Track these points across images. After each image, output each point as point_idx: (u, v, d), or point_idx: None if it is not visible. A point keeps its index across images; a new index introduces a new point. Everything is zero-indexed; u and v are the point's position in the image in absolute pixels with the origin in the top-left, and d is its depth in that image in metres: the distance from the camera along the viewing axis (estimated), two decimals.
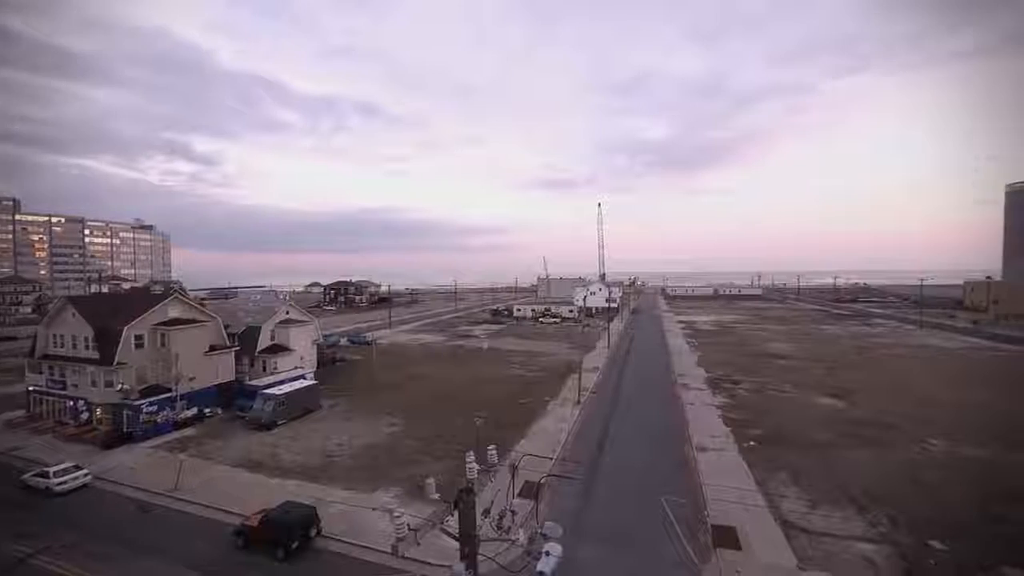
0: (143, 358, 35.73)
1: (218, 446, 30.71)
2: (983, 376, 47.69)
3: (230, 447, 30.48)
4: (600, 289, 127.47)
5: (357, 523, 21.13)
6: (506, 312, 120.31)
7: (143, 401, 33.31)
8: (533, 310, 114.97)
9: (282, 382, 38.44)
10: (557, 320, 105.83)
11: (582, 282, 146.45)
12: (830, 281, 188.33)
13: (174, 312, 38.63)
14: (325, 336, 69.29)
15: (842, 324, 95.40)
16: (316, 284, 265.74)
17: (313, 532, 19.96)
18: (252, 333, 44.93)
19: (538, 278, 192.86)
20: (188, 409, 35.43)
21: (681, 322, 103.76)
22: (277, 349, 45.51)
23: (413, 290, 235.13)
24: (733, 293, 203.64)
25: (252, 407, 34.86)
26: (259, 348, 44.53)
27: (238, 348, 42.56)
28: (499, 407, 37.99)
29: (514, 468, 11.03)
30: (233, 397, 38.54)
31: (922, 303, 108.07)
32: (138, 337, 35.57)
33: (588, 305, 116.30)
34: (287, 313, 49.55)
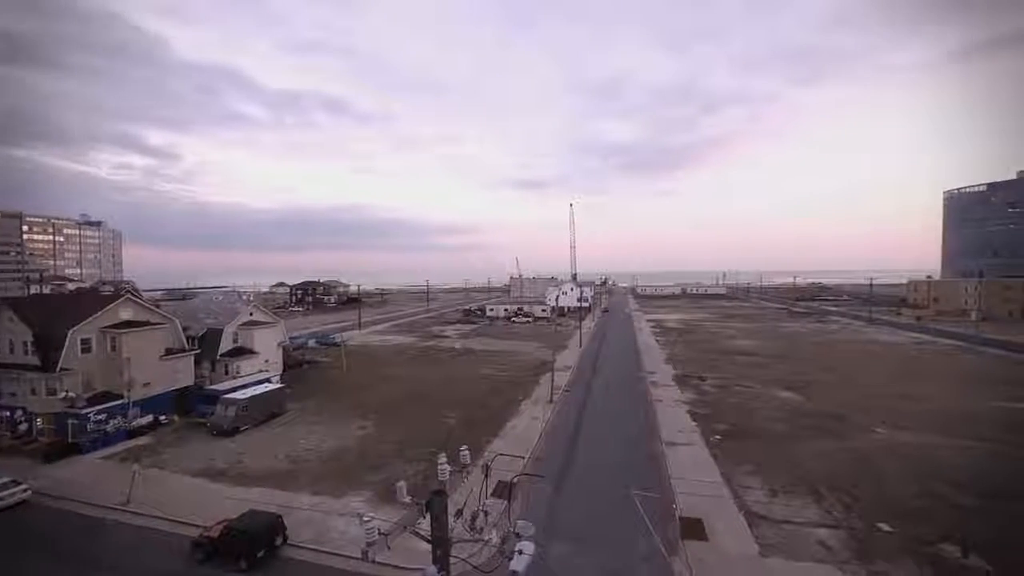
0: (91, 363, 33.48)
1: (176, 455, 29.18)
2: (923, 369, 51.11)
3: (189, 456, 29.02)
4: (572, 289, 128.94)
5: (326, 529, 20.55)
6: (479, 312, 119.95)
7: (91, 409, 31.24)
8: (506, 310, 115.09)
9: (246, 386, 36.93)
10: (530, 320, 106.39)
11: (554, 282, 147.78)
12: (790, 280, 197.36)
13: (126, 314, 36.41)
14: (292, 338, 67.05)
15: (800, 321, 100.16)
16: (282, 284, 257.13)
17: (279, 541, 19.26)
18: (213, 336, 42.95)
19: (511, 278, 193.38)
20: (142, 417, 33.50)
21: (650, 321, 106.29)
22: (240, 352, 43.69)
23: (383, 290, 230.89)
24: (700, 292, 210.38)
25: (213, 413, 33.33)
26: (221, 351, 42.61)
27: (198, 352, 40.58)
28: (472, 407, 37.82)
29: (487, 468, 10.97)
30: (193, 403, 36.72)
31: (871, 301, 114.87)
32: (84, 341, 33.31)
33: (560, 305, 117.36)
34: (251, 314, 47.64)
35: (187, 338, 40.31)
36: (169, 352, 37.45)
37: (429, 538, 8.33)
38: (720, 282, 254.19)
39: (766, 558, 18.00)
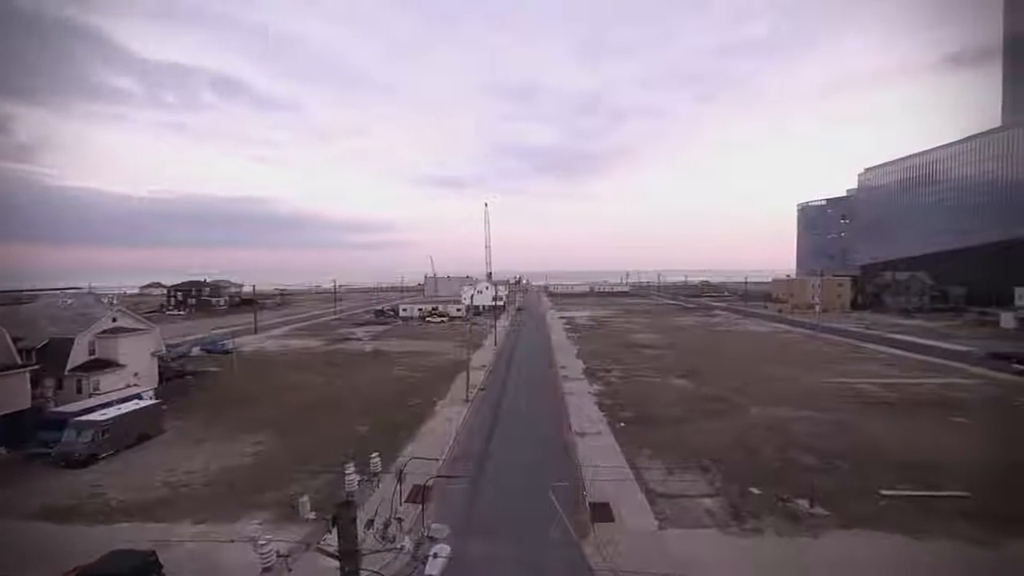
0: None
1: (4, 497, 23.73)
2: (782, 354, 60.35)
3: (25, 494, 23.79)
4: (487, 288, 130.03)
5: (214, 561, 18.22)
6: (391, 312, 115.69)
7: None
8: (420, 309, 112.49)
9: (107, 405, 31.33)
10: (445, 319, 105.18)
11: (470, 281, 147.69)
12: (683, 279, 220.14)
13: None
14: (171, 346, 58.70)
15: (691, 316, 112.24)
16: (157, 284, 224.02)
17: None
18: (60, 347, 35.77)
19: (425, 277, 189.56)
20: None
21: (562, 318, 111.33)
22: (100, 365, 37.00)
23: (283, 291, 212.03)
24: (606, 291, 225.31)
25: (61, 440, 27.71)
26: (71, 365, 35.67)
27: (36, 367, 33.44)
28: (385, 412, 36.31)
29: (400, 473, 10.60)
30: (31, 429, 30.10)
31: (746, 297, 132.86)
32: None
33: (476, 303, 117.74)
34: (114, 320, 40.57)
35: (22, 350, 33.07)
36: None
37: (336, 553, 7.81)
38: (624, 281, 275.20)
39: (664, 531, 19.84)
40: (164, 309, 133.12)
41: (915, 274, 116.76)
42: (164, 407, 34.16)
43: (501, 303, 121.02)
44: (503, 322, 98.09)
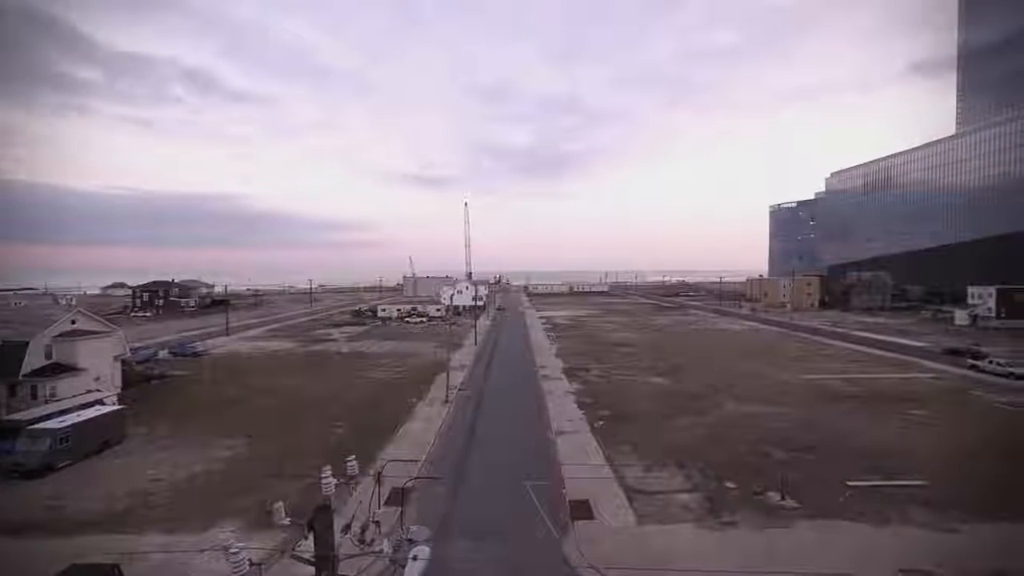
0: None
1: None
2: (755, 351, 62.18)
3: None
4: (467, 288, 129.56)
5: (183, 572, 17.55)
6: (370, 313, 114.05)
7: None
8: (399, 310, 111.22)
9: (66, 412, 29.81)
10: (424, 319, 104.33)
11: (449, 281, 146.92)
12: (660, 278, 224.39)
13: None
14: (137, 349, 56.45)
15: (668, 315, 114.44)
16: (121, 285, 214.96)
17: None
18: (11, 351, 33.88)
19: (404, 277, 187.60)
20: None
21: (542, 318, 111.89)
22: (57, 370, 35.21)
23: (257, 291, 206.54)
24: (585, 290, 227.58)
25: (13, 450, 26.19)
26: (26, 370, 33.81)
27: None
28: (363, 414, 35.73)
29: (378, 476, 10.44)
30: None
31: (721, 296, 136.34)
32: None
33: (455, 304, 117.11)
34: (73, 323, 38.66)
35: None
36: None
37: (312, 559, 7.64)
38: (603, 280, 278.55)
39: (643, 527, 20.15)
40: (128, 311, 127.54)
41: (877, 274, 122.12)
42: (128, 413, 32.73)
43: (481, 303, 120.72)
44: (483, 322, 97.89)
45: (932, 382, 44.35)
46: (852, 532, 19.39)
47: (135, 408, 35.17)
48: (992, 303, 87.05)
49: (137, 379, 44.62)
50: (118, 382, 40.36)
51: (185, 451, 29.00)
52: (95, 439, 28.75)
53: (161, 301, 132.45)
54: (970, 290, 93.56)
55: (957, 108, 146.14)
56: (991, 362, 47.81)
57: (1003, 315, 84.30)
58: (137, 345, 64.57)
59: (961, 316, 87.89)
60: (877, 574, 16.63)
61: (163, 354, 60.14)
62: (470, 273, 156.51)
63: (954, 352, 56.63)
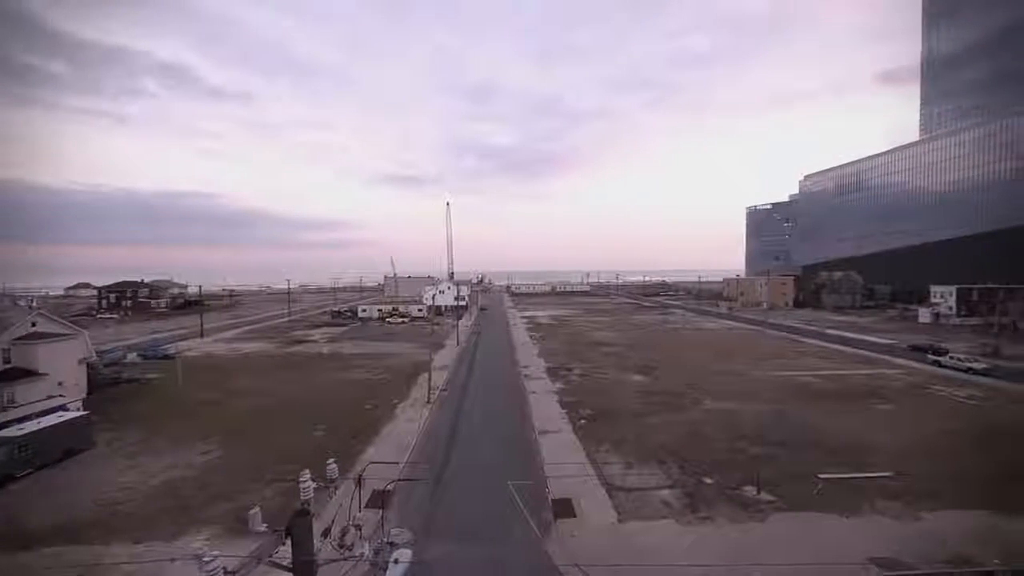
0: None
1: None
2: (733, 349, 63.64)
3: None
4: (449, 288, 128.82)
5: None
6: (349, 313, 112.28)
7: None
8: (380, 310, 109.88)
9: (25, 419, 28.44)
10: (406, 319, 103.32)
11: (431, 280, 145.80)
12: (641, 278, 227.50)
13: None
14: (104, 352, 54.36)
15: (648, 314, 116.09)
16: (86, 285, 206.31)
17: None
18: None
19: (385, 277, 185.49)
20: None
21: (524, 317, 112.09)
22: (16, 375, 33.51)
23: (233, 291, 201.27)
24: (568, 290, 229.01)
25: None
26: None
27: None
28: (343, 416, 35.15)
29: (359, 479, 10.29)
30: None
31: (700, 296, 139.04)
32: None
33: (437, 304, 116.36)
34: (33, 325, 36.88)
35: None
36: None
37: (290, 566, 7.48)
38: (585, 280, 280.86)
39: (624, 523, 20.41)
40: (94, 312, 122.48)
41: (848, 274, 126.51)
42: (95, 419, 31.41)
43: (464, 303, 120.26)
44: (465, 322, 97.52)
45: (897, 378, 46.19)
46: (823, 523, 20.06)
47: (103, 413, 33.82)
48: (952, 302, 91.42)
49: (104, 383, 42.86)
50: (83, 387, 38.70)
51: (156, 457, 28.01)
52: (58, 447, 27.51)
53: (129, 302, 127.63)
54: (932, 289, 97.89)
55: (921, 116, 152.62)
56: (951, 358, 50.11)
57: (962, 313, 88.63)
58: (104, 348, 62.05)
59: (924, 314, 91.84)
60: (848, 561, 17.25)
61: (132, 357, 57.95)
62: (452, 273, 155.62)
63: (918, 349, 59.12)
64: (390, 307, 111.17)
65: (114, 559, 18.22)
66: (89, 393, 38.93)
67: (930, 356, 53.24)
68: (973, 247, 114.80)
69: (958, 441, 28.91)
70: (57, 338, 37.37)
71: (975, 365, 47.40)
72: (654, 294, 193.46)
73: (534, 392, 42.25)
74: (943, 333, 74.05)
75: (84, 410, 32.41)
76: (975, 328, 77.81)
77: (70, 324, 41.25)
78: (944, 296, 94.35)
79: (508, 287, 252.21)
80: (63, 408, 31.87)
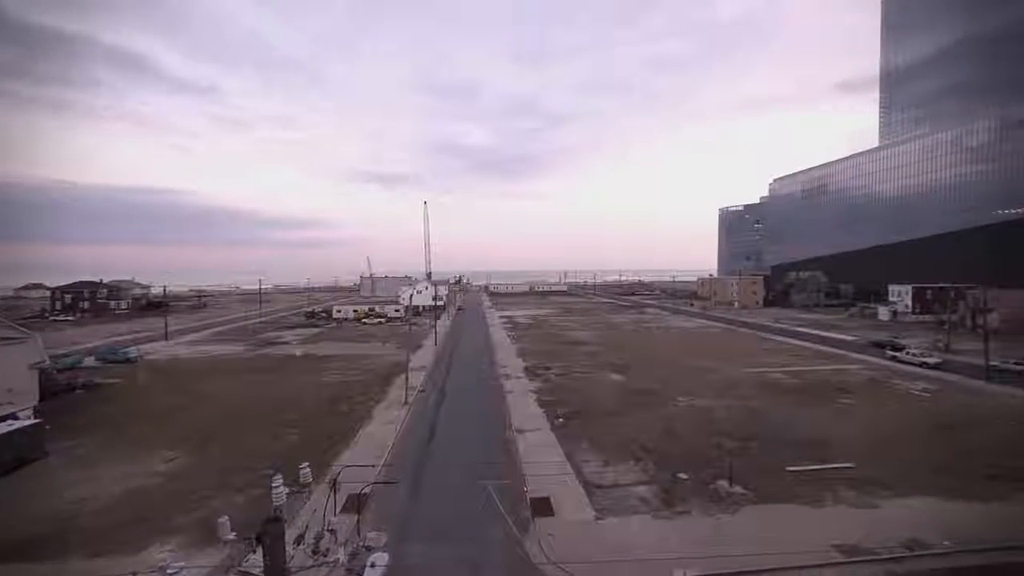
0: None
1: None
2: (706, 347, 65.35)
3: None
4: (427, 287, 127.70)
5: None
6: (324, 314, 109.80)
7: None
8: (355, 311, 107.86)
9: None
10: (383, 320, 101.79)
11: (408, 280, 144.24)
12: (617, 278, 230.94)
13: None
14: (58, 356, 51.49)
15: (624, 313, 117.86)
16: (38, 286, 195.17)
17: None
18: None
19: (361, 277, 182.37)
20: None
21: (503, 317, 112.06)
22: None
23: (201, 292, 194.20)
24: (545, 290, 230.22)
25: None
26: None
27: None
28: (317, 419, 34.34)
29: (334, 483, 10.05)
30: None
31: (674, 295, 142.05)
32: None
33: (415, 304, 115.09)
34: None
35: None
36: None
37: (260, 575, 7.24)
38: (563, 280, 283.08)
39: (601, 520, 20.64)
40: (47, 314, 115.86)
41: (814, 273, 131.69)
42: (48, 427, 29.70)
43: (441, 303, 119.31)
44: (444, 322, 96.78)
45: (858, 372, 48.37)
46: (791, 513, 20.84)
47: (57, 421, 32.01)
48: (909, 300, 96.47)
49: (59, 389, 40.60)
50: (35, 393, 36.50)
51: (116, 466, 26.68)
52: (6, 457, 25.88)
53: (86, 303, 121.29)
54: (891, 288, 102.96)
55: (880, 123, 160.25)
56: (908, 353, 52.89)
57: (917, 310, 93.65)
58: (59, 352, 58.73)
59: (883, 312, 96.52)
60: (813, 549, 17.97)
61: (90, 361, 55.07)
62: (430, 273, 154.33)
63: (878, 345, 62.14)
64: (366, 307, 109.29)
65: (71, 575, 17.26)
66: (42, 399, 36.75)
67: (888, 352, 55.98)
68: (928, 248, 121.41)
69: (912, 432, 30.51)
70: (5, 342, 35.10)
71: (929, 360, 50.12)
72: (630, 293, 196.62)
73: (512, 392, 42.28)
74: (900, 330, 77.94)
75: (36, 418, 30.62)
76: (928, 325, 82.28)
77: (19, 327, 38.84)
78: (901, 295, 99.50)
79: (487, 287, 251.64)
80: (13, 416, 29.95)
